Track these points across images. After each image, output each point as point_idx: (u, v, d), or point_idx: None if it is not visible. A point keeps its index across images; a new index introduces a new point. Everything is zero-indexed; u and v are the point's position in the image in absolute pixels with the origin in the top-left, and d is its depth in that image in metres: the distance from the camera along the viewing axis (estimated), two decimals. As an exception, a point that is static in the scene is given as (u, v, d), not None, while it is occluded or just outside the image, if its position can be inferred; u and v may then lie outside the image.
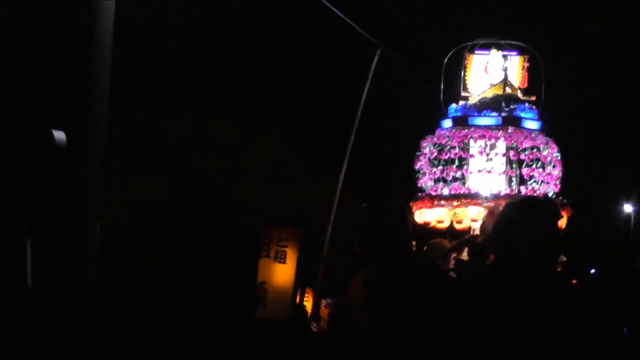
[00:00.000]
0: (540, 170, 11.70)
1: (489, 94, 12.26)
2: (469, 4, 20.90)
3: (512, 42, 12.77)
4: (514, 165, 11.87)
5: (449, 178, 11.76)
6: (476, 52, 12.66)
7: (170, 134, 15.22)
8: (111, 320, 3.38)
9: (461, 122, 11.94)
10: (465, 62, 12.54)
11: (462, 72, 12.50)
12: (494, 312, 2.37)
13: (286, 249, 6.58)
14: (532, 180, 11.68)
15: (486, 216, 8.04)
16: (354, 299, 2.77)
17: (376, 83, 12.90)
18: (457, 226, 11.34)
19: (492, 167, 11.73)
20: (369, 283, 2.68)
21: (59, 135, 6.07)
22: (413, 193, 12.00)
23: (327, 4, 10.61)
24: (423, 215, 11.55)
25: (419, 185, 12.06)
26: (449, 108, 12.34)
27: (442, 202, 11.53)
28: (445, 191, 11.72)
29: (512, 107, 12.03)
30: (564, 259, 11.88)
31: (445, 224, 11.39)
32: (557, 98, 13.87)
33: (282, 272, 6.67)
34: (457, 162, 11.77)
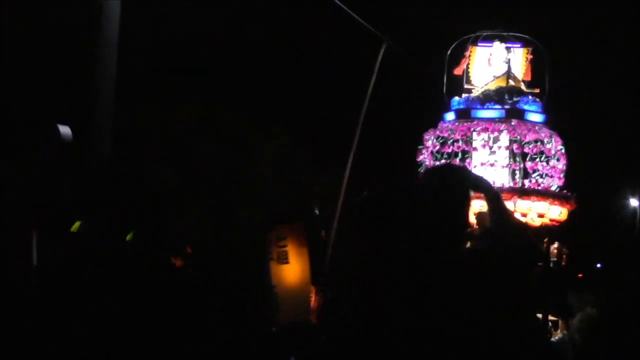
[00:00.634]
0: (544, 163, 11.63)
1: (492, 86, 12.22)
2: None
3: (516, 34, 12.75)
4: (517, 159, 11.81)
5: (452, 171, 11.74)
6: (479, 44, 12.65)
7: (176, 126, 15.29)
8: (118, 320, 3.42)
9: (464, 114, 11.87)
10: (468, 54, 12.52)
11: (465, 65, 12.49)
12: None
13: (286, 249, 6.46)
14: (535, 174, 11.60)
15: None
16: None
17: (379, 76, 12.93)
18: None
19: (495, 161, 11.65)
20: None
21: (65, 130, 6.16)
22: (415, 187, 11.98)
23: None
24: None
25: (421, 178, 12.04)
26: (451, 101, 12.33)
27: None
28: (448, 184, 11.71)
29: (515, 99, 11.98)
30: (566, 252, 11.96)
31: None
32: (562, 91, 13.87)
33: (289, 273, 6.52)
34: (460, 155, 11.72)
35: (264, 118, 16.46)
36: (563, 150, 11.90)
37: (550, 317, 8.62)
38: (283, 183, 15.46)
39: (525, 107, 11.95)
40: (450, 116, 12.10)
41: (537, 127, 11.74)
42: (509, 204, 9.68)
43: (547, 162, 11.68)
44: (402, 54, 13.60)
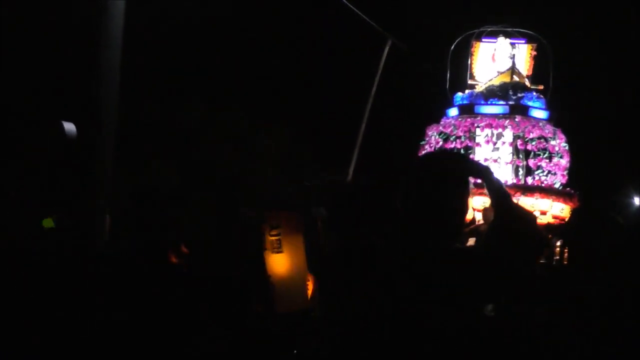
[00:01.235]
0: (548, 160, 11.63)
1: (496, 82, 12.22)
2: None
3: (520, 30, 12.73)
4: (520, 155, 11.81)
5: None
6: (483, 39, 12.64)
7: (179, 124, 15.30)
8: (121, 314, 3.43)
9: (467, 110, 11.87)
10: (472, 49, 12.50)
11: (469, 60, 12.47)
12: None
13: (279, 237, 6.41)
14: (539, 171, 11.59)
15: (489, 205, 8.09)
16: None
17: (383, 72, 12.90)
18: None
19: (498, 157, 11.64)
20: None
21: (69, 126, 6.19)
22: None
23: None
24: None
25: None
26: (455, 96, 12.30)
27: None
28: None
29: (519, 95, 11.95)
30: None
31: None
32: (566, 88, 13.84)
33: (282, 262, 6.49)
34: (463, 151, 11.75)
35: (266, 117, 16.45)
36: (567, 147, 11.89)
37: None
38: (283, 182, 15.44)
39: (529, 103, 11.93)
40: (453, 112, 12.10)
41: (541, 124, 11.75)
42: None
43: (550, 160, 11.65)
44: (405, 52, 13.57)
